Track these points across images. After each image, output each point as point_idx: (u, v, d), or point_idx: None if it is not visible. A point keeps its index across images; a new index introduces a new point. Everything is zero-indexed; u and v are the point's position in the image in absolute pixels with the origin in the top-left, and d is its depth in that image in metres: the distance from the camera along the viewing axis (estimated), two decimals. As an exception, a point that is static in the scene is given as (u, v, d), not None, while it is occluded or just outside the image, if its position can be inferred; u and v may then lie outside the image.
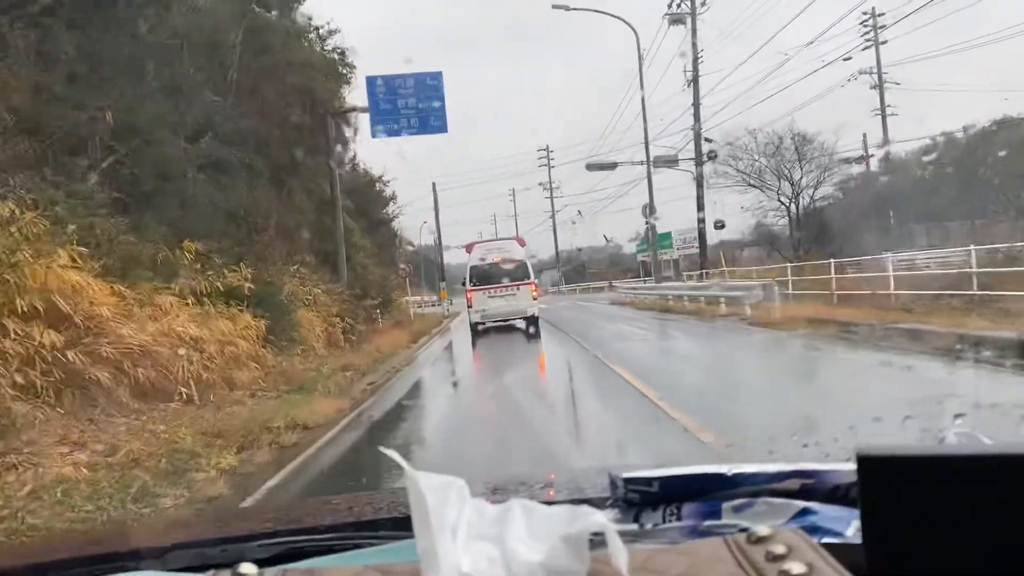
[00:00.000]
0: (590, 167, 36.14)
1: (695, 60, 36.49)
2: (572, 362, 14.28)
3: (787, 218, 29.13)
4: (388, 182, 37.76)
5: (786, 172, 28.10)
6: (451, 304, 47.00)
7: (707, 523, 0.99)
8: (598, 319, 25.61)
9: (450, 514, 0.70)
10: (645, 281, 36.80)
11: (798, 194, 28.23)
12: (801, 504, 1.00)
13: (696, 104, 36.37)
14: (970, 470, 0.64)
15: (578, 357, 14.67)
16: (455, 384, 13.57)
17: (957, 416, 1.38)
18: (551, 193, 77.51)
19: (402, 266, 33.20)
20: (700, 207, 35.13)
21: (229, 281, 13.21)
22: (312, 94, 22.75)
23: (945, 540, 0.64)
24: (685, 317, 21.99)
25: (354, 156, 37.15)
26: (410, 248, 43.12)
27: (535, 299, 23.08)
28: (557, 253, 79.47)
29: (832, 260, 20.27)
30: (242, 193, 16.41)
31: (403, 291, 33.91)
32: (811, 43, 44.22)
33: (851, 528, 0.94)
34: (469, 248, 24.60)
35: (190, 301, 11.59)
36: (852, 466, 0.87)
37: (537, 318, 22.97)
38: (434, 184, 53.48)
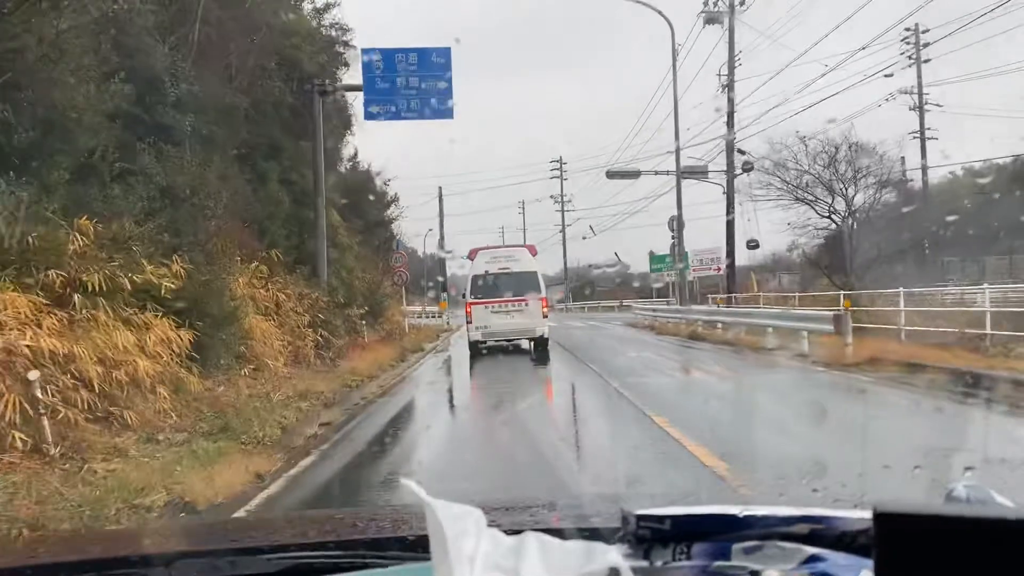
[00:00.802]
0: (611, 175, 32.86)
1: (731, 63, 33.29)
2: (596, 407, 10.90)
3: (834, 238, 25.63)
4: (388, 181, 34.51)
5: (841, 186, 24.69)
6: (452, 316, 43.73)
7: (717, 564, 0.99)
8: (617, 344, 22.21)
9: (467, 544, 0.68)
10: (668, 303, 33.25)
11: (853, 213, 24.83)
12: (811, 550, 0.99)
13: (730, 111, 33.07)
14: (986, 532, 0.63)
15: (603, 399, 11.29)
16: (440, 431, 10.11)
17: (967, 469, 1.35)
18: (562, 206, 74.35)
19: (397, 265, 29.74)
20: (730, 223, 31.84)
21: (148, 278, 9.84)
22: (298, 67, 19.51)
23: None
24: (723, 348, 18.58)
25: (355, 154, 34.29)
26: (408, 253, 39.66)
27: (546, 317, 19.86)
28: (566, 268, 76.11)
29: (901, 289, 16.86)
30: (191, 169, 13.10)
31: (398, 300, 30.55)
32: (851, 56, 40.86)
33: None
34: (472, 254, 21.22)
35: (75, 302, 8.24)
36: (860, 513, 1.00)
37: (547, 339, 19.63)
38: (440, 188, 50.38)
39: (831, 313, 14.89)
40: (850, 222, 24.85)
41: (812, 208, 25.99)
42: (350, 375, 15.04)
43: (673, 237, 28.51)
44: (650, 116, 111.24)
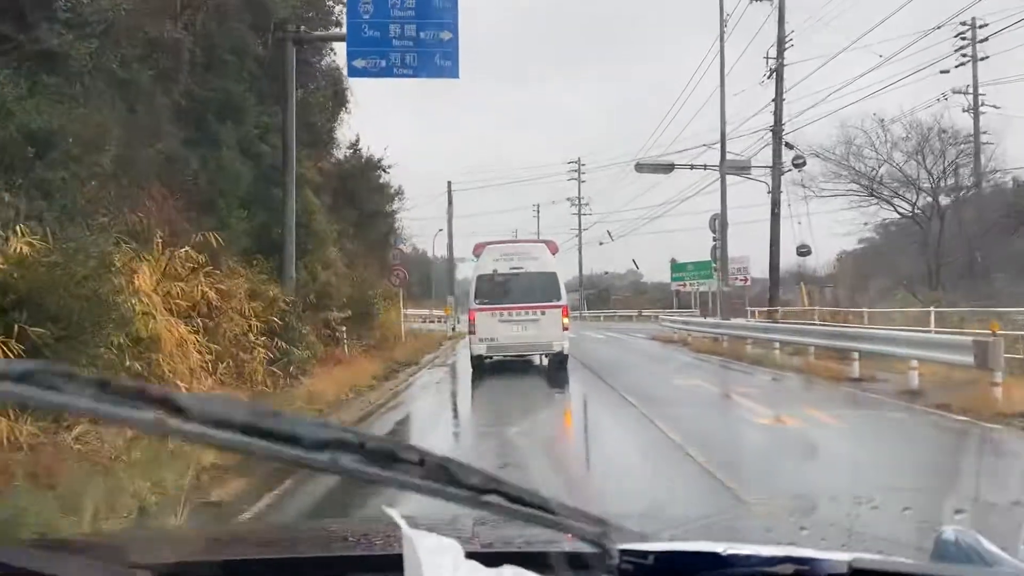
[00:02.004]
0: (641, 167, 28.88)
1: (780, 43, 29.35)
2: (656, 483, 6.92)
3: (916, 243, 21.50)
4: (390, 167, 30.64)
5: (930, 181, 20.54)
6: (457, 321, 39.89)
7: None
8: (652, 364, 18.28)
9: None
10: (692, 314, 29.27)
11: (942, 213, 20.70)
12: None
13: (778, 99, 29.11)
14: None
15: (663, 465, 7.34)
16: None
17: (957, 512, 1.36)
18: (579, 209, 70.58)
19: (395, 263, 25.84)
20: (775, 226, 27.78)
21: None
22: (268, 9, 15.71)
23: None
24: (790, 376, 14.59)
25: (356, 140, 30.43)
26: (416, 254, 35.81)
27: (566, 329, 16.17)
28: (581, 275, 72.32)
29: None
30: (85, 115, 9.30)
31: (395, 302, 26.66)
32: (907, 47, 36.71)
33: None
34: (478, 250, 17.49)
35: None
36: (844, 555, 0.97)
37: (566, 356, 16.05)
38: (449, 183, 46.72)
39: (968, 339, 10.84)
40: (938, 224, 20.73)
41: (892, 207, 21.81)
42: (303, 404, 11.15)
43: (715, 239, 24.54)
44: (681, 108, 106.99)
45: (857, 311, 20.68)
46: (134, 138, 10.44)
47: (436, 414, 11.16)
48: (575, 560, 1.03)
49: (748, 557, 1.02)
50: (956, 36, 29.80)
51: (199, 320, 10.65)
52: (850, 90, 57.13)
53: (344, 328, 18.06)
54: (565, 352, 15.94)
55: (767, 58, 29.53)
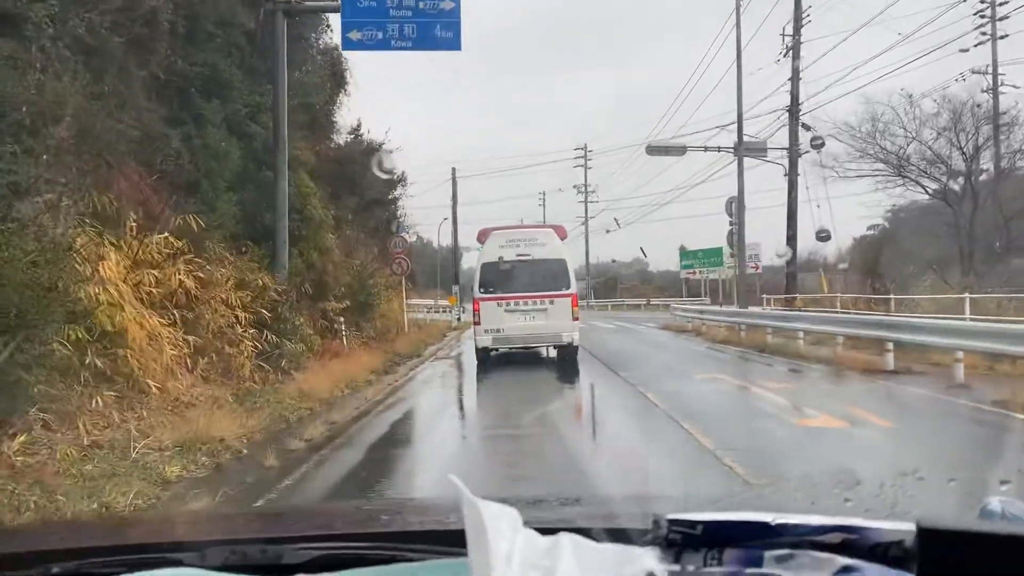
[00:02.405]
0: (652, 150, 27.81)
1: (797, 21, 28.16)
2: (691, 485, 5.96)
3: (946, 227, 20.35)
4: (391, 152, 29.57)
5: (965, 157, 19.33)
6: (463, 311, 38.93)
7: (749, 571, 0.98)
8: (667, 356, 17.24)
9: (504, 542, 0.70)
10: (718, 305, 28.24)
11: (975, 193, 19.55)
12: (844, 560, 0.96)
13: (795, 78, 27.94)
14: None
15: (697, 470, 6.36)
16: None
17: (1003, 483, 1.26)
18: (586, 196, 69.44)
19: (397, 251, 24.78)
20: (791, 210, 26.68)
21: None
22: (257, -22, 14.67)
23: None
24: (817, 368, 13.56)
25: (358, 126, 29.41)
26: (411, 239, 34.76)
27: (576, 319, 15.29)
28: (588, 263, 71.23)
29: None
30: (42, 83, 8.30)
31: (398, 292, 25.66)
32: (924, 26, 35.27)
33: None
34: (482, 236, 16.49)
35: None
36: (895, 524, 0.95)
37: (576, 348, 15.20)
38: (454, 170, 45.54)
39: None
40: (971, 205, 19.56)
41: (921, 187, 20.60)
42: (293, 402, 10.18)
43: (731, 223, 23.44)
44: (692, 91, 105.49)
45: (882, 298, 19.62)
46: (103, 111, 9.43)
47: (437, 413, 10.18)
48: (625, 532, 1.01)
49: (797, 526, 1.01)
50: (975, 14, 28.61)
51: (175, 312, 9.65)
52: (867, 70, 55.53)
53: (342, 319, 17.11)
54: (575, 344, 15.08)
55: (783, 35, 28.42)
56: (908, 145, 20.61)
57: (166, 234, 10.36)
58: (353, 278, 19.70)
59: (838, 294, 22.90)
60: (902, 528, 0.85)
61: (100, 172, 9.31)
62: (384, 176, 30.78)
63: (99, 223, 9.03)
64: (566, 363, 15.07)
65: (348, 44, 14.63)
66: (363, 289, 19.94)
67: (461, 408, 10.90)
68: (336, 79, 25.18)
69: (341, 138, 29.42)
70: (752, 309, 22.52)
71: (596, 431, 8.48)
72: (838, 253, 39.80)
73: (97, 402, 7.49)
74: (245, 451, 7.45)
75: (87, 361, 7.50)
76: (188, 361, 9.69)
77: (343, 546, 1.20)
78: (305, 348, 13.82)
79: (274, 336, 12.55)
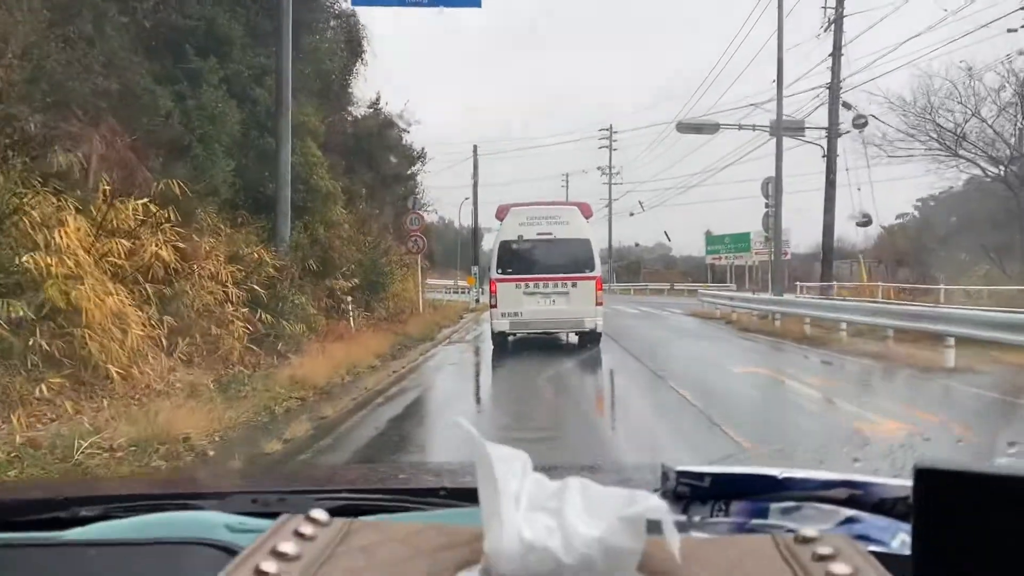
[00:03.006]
0: (683, 128, 26.40)
1: (841, -9, 26.51)
2: None
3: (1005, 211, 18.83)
4: (410, 125, 28.43)
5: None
6: (481, 292, 37.83)
7: (754, 521, 1.01)
8: (703, 348, 15.97)
9: (513, 484, 0.70)
10: (752, 292, 26.88)
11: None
12: (848, 512, 0.99)
13: (836, 53, 26.39)
14: None
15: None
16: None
17: (1011, 444, 1.26)
18: (610, 178, 68.00)
19: (413, 228, 23.58)
20: (830, 193, 25.20)
21: None
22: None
23: (998, 561, 0.64)
24: (868, 363, 12.26)
25: (377, 99, 28.25)
26: (429, 217, 33.58)
27: (600, 304, 14.19)
28: (611, 246, 69.86)
29: None
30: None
31: (413, 271, 24.52)
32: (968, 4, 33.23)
33: (896, 540, 0.91)
34: (501, 213, 15.20)
35: None
36: (900, 481, 0.98)
37: (600, 335, 14.22)
38: (475, 147, 44.38)
39: None
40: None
41: (980, 168, 19.05)
42: (283, 390, 9.05)
43: (768, 205, 22.00)
44: (723, 71, 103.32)
45: (931, 288, 18.21)
46: (70, 58, 8.31)
47: (442, 410, 8.98)
48: (635, 481, 1.06)
49: (804, 480, 1.03)
50: None
51: (148, 287, 8.54)
52: (911, 47, 53.17)
53: (350, 298, 16.00)
54: (598, 330, 14.08)
55: (825, 7, 26.84)
56: (966, 122, 19.02)
57: (145, 200, 9.25)
58: (365, 255, 18.60)
59: (879, 283, 21.47)
60: (907, 484, 0.81)
61: (66, 127, 8.17)
62: (403, 151, 29.76)
63: (62, 184, 7.94)
64: (589, 351, 13.92)
65: (358, -1, 13.44)
66: (375, 267, 18.84)
67: (472, 403, 9.73)
68: (352, 47, 23.99)
69: (359, 111, 28.35)
70: (787, 297, 21.14)
71: (625, 439, 7.31)
72: (867, 241, 38.27)
73: (42, 390, 6.41)
74: (211, 452, 6.34)
75: (30, 342, 6.41)
76: (164, 343, 8.59)
77: (361, 498, 1.21)
78: (306, 329, 12.73)
79: (270, 316, 11.47)
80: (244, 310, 10.96)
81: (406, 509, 1.16)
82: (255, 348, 10.87)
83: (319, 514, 0.73)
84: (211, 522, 1.05)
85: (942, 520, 0.64)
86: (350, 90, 25.63)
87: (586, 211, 15.61)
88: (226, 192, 12.55)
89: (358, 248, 18.32)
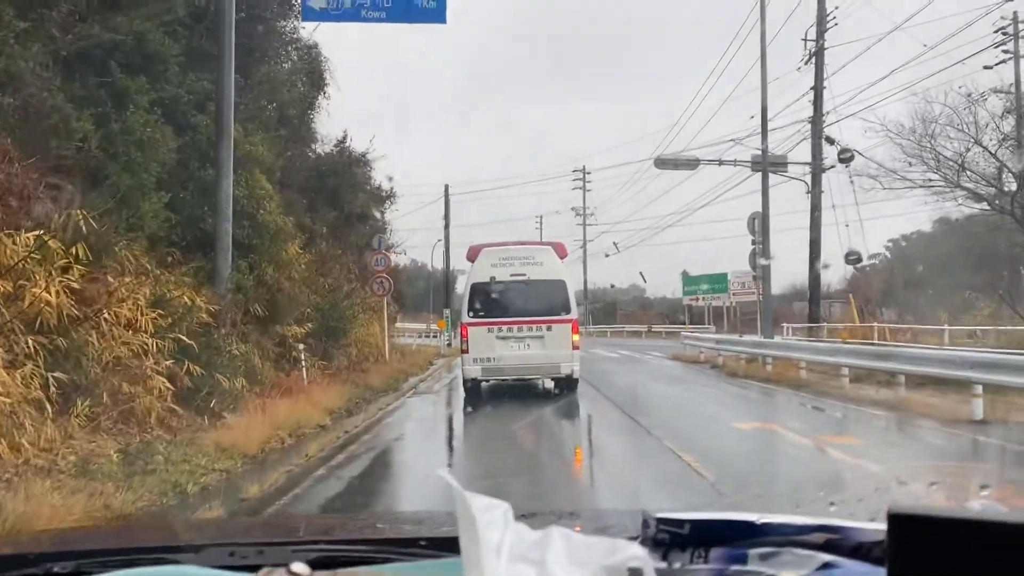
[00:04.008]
0: (661, 163, 25.31)
1: (821, 23, 25.81)
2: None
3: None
4: (376, 160, 27.06)
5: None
6: (453, 336, 36.24)
7: (734, 568, 0.99)
8: (690, 395, 14.55)
9: (495, 535, 0.70)
10: (739, 335, 25.59)
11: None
12: (826, 557, 0.99)
13: (818, 85, 25.56)
14: (999, 536, 0.62)
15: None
16: None
17: (983, 487, 1.30)
18: (584, 219, 67.11)
19: (379, 268, 22.08)
20: (815, 230, 24.14)
21: None
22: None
23: None
24: (884, 415, 10.88)
25: (344, 137, 26.93)
26: (397, 257, 32.07)
27: (576, 348, 13.48)
28: (586, 287, 68.77)
29: None
30: None
31: (380, 316, 22.93)
32: (948, 38, 32.80)
33: None
34: (472, 253, 14.49)
35: None
36: (876, 525, 0.97)
37: (577, 381, 13.43)
38: (446, 187, 43.05)
39: None
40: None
41: (985, 200, 17.96)
42: (206, 461, 7.44)
43: (754, 242, 20.79)
44: (696, 110, 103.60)
45: (932, 328, 16.98)
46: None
47: (394, 486, 7.40)
48: (616, 528, 1.08)
49: (781, 526, 1.03)
50: (996, 31, 26.13)
51: (29, 338, 6.95)
52: (892, 83, 53.02)
53: (302, 346, 14.40)
54: (575, 376, 13.36)
55: (805, 40, 26.08)
56: (967, 151, 18.02)
57: (38, 232, 7.70)
58: (324, 299, 17.05)
59: (874, 323, 20.26)
60: (883, 528, 0.80)
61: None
62: (370, 190, 28.36)
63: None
64: (570, 404, 12.50)
65: (309, 13, 12.18)
66: (335, 311, 17.26)
67: (433, 474, 8.18)
68: (313, 79, 22.67)
69: (323, 148, 27.01)
70: (778, 339, 19.85)
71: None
72: (840, 281, 37.52)
73: None
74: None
75: None
76: (49, 406, 6.98)
77: (340, 549, 1.17)
78: (247, 383, 11.12)
79: (200, 369, 9.86)
80: (168, 363, 9.36)
81: (387, 560, 1.12)
82: (180, 408, 9.26)
83: (299, 568, 0.76)
84: None
85: (916, 564, 0.62)
86: (312, 124, 24.34)
87: (560, 251, 14.91)
88: (156, 227, 11.01)
89: (315, 291, 16.78)
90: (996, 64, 25.56)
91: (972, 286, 23.39)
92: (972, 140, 17.96)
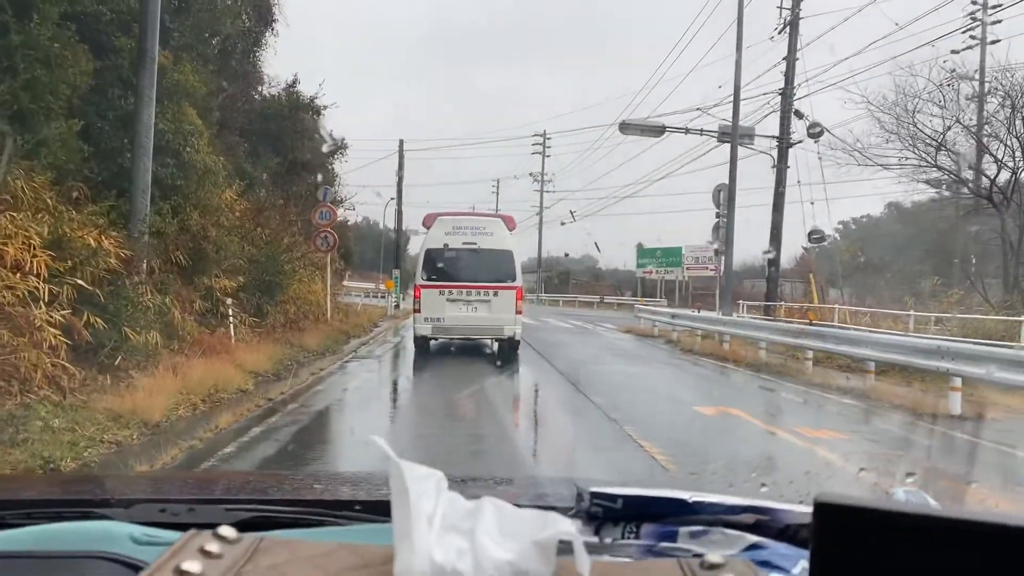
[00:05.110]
0: (625, 128, 24.30)
1: (798, -8, 24.90)
2: None
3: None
4: (325, 108, 25.61)
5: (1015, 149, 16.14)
6: (402, 298, 35.06)
7: (663, 544, 1.02)
8: (646, 373, 13.75)
9: (427, 504, 0.70)
10: (699, 310, 24.94)
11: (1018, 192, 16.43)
12: (753, 538, 1.01)
13: (791, 56, 24.76)
14: (922, 530, 0.63)
15: None
16: None
17: (909, 474, 1.49)
18: (542, 185, 66.09)
19: (323, 222, 20.78)
20: (778, 207, 23.50)
21: None
22: None
23: None
24: (853, 404, 10.17)
25: (294, 81, 25.37)
26: (345, 213, 30.64)
27: (519, 313, 14.81)
28: (540, 255, 68.03)
29: None
30: None
31: (323, 272, 21.66)
32: (919, 18, 32.22)
33: (798, 567, 0.91)
34: (428, 221, 15.61)
35: None
36: (804, 508, 1.01)
37: (517, 343, 14.76)
38: (401, 142, 41.44)
39: None
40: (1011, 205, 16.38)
41: (969, 183, 17.31)
42: (94, 430, 6.32)
43: (718, 215, 20.01)
44: (663, 76, 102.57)
45: (895, 313, 16.42)
46: None
47: (315, 466, 6.42)
48: (550, 504, 1.03)
49: (713, 505, 1.05)
50: (966, 16, 25.68)
51: None
52: (858, 63, 52.86)
53: (230, 300, 13.16)
54: (517, 338, 14.72)
55: (780, 8, 25.21)
56: (948, 129, 17.36)
57: None
58: (260, 250, 15.78)
59: (835, 305, 19.71)
60: (809, 511, 0.81)
61: None
62: (318, 138, 26.87)
63: None
64: (517, 379, 11.75)
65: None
66: (272, 265, 16.01)
67: (360, 455, 7.15)
68: (261, 12, 21.17)
69: (270, 90, 25.42)
70: (740, 319, 19.17)
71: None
72: (789, 261, 37.44)
73: None
74: None
75: None
76: None
77: (274, 510, 1.17)
78: (161, 340, 9.92)
79: (103, 322, 8.65)
80: (65, 312, 8.14)
81: (320, 523, 1.11)
82: (77, 366, 8.06)
83: (227, 531, 0.71)
84: (116, 533, 0.99)
85: (840, 554, 0.63)
86: (259, 63, 22.76)
87: (510, 223, 15.91)
88: (66, 158, 9.69)
89: (251, 242, 15.50)
90: (966, 48, 25.30)
91: (922, 272, 23.03)
92: (953, 119, 17.32)
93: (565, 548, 0.67)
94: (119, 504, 1.16)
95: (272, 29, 21.50)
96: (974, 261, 18.72)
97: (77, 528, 1.01)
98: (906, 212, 42.57)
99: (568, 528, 0.68)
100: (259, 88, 24.65)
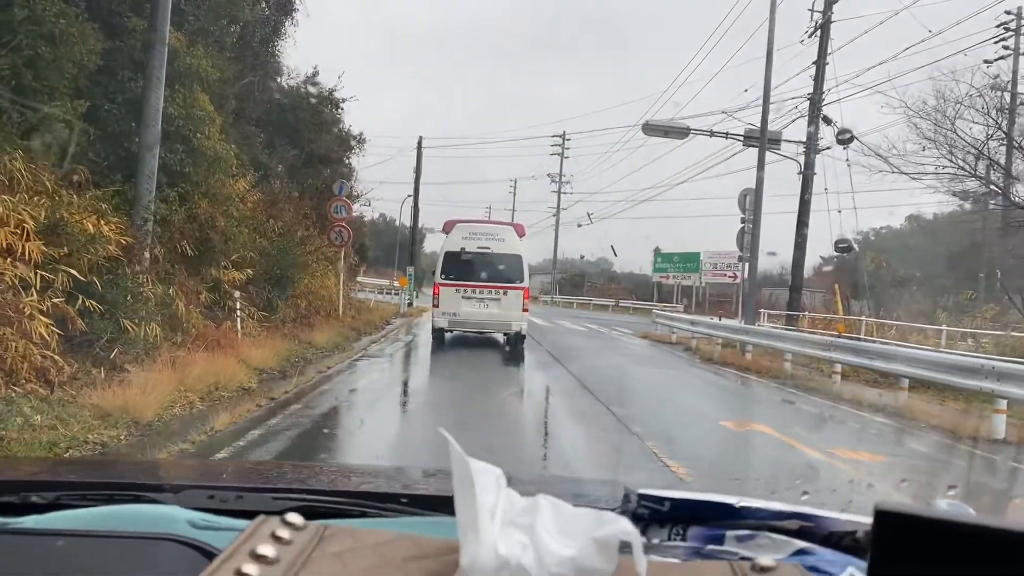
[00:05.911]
0: (649, 129, 23.76)
1: (831, -5, 24.22)
2: None
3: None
4: (343, 102, 25.21)
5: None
6: (416, 296, 34.62)
7: (710, 547, 1.01)
8: (666, 383, 13.20)
9: (489, 498, 0.70)
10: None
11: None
12: (800, 543, 1.01)
13: (820, 61, 24.09)
14: (986, 542, 0.60)
15: None
16: None
17: (950, 487, 1.58)
18: (559, 187, 65.45)
19: (338, 216, 20.40)
20: (803, 214, 22.85)
21: None
22: None
23: None
24: (888, 424, 9.59)
25: (315, 73, 25.03)
26: (361, 210, 30.24)
27: (526, 311, 16.33)
28: (555, 257, 67.42)
29: None
30: None
31: (337, 267, 21.21)
32: (951, 27, 31.46)
33: (845, 573, 0.90)
34: (448, 226, 17.31)
35: None
36: (849, 516, 1.04)
37: (523, 337, 16.13)
38: (420, 139, 40.96)
39: None
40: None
41: (1002, 194, 16.70)
42: (79, 429, 5.89)
43: (744, 219, 19.43)
44: (686, 81, 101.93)
45: (924, 327, 15.77)
46: None
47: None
48: (598, 504, 1.02)
49: (759, 510, 1.05)
50: (998, 26, 25.00)
51: None
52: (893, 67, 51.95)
53: (238, 294, 12.73)
54: (523, 333, 16.12)
55: (812, 10, 24.55)
56: (989, 138, 16.72)
57: None
58: (272, 243, 15.35)
59: (862, 317, 19.06)
60: (855, 519, 0.89)
61: None
62: (337, 132, 26.46)
63: None
64: (533, 386, 11.29)
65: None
66: (285, 258, 15.59)
67: (367, 455, 6.68)
68: (280, 2, 20.81)
69: (289, 82, 25.08)
70: (761, 327, 18.56)
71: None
72: (809, 269, 36.69)
73: None
74: None
75: None
76: None
77: (320, 500, 1.17)
78: (161, 332, 9.48)
79: (99, 312, 8.22)
80: (57, 301, 7.72)
81: (366, 514, 1.13)
82: (69, 358, 7.63)
83: (294, 518, 0.73)
84: (172, 517, 1.01)
85: (898, 561, 0.63)
86: (277, 53, 22.37)
87: (520, 231, 17.53)
88: (64, 139, 9.27)
89: (262, 233, 15.08)
90: (998, 58, 24.61)
91: (946, 286, 22.34)
92: (995, 126, 16.65)
93: (622, 548, 0.66)
94: (171, 489, 1.18)
95: (292, 18, 21.11)
96: (1000, 275, 18.07)
97: (136, 511, 1.04)
98: (927, 224, 41.77)
99: (628, 527, 0.68)
100: (278, 79, 24.31)
